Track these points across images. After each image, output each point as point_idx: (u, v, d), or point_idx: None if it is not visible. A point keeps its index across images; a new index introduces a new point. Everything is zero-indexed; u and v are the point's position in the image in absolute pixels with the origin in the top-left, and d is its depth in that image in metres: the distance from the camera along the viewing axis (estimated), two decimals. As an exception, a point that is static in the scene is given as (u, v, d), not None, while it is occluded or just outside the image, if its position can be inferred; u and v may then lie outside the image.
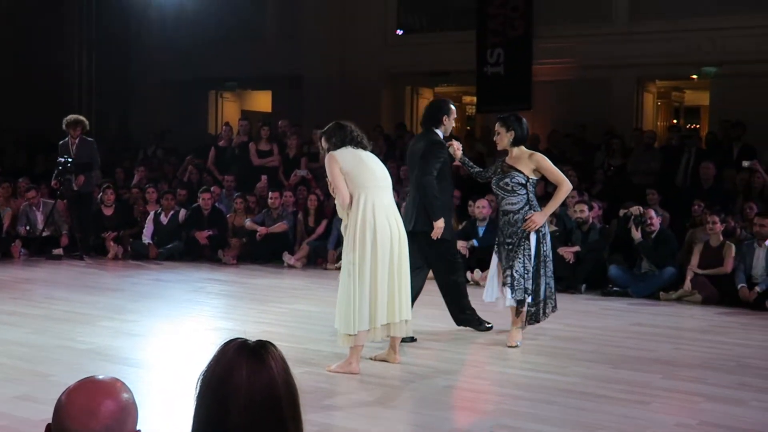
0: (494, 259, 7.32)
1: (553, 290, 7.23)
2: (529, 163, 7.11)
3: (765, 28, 14.13)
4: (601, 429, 4.83)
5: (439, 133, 7.41)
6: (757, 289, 9.33)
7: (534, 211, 7.06)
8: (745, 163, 11.76)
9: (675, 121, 18.67)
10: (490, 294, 7.31)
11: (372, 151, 6.26)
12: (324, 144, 6.24)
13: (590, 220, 10.61)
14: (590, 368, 6.40)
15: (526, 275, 7.01)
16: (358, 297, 5.90)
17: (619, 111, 15.68)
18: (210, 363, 1.99)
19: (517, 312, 7.14)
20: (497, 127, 7.28)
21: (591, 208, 10.75)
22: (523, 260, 7.01)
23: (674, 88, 18.38)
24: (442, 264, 7.53)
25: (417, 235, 7.12)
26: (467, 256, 10.64)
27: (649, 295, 9.98)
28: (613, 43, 15.36)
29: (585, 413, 5.15)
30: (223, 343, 2.02)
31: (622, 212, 10.69)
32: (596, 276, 10.37)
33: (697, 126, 18.19)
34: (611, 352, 6.99)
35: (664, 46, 14.87)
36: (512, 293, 7.00)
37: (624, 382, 5.94)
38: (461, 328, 7.69)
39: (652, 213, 10.25)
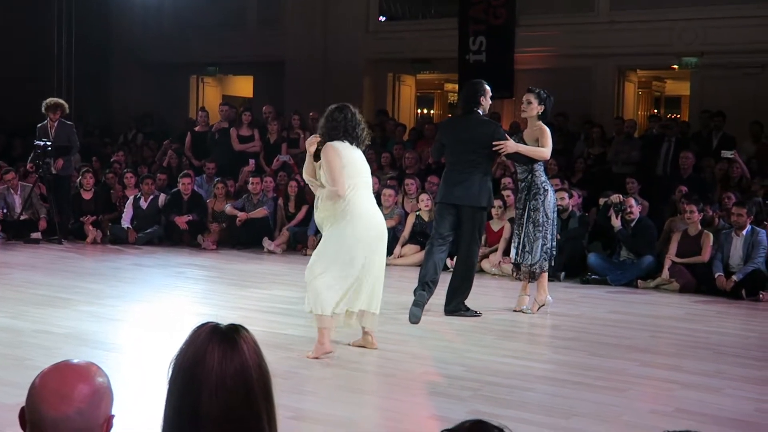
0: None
1: (549, 251, 7.89)
2: (535, 133, 7.84)
3: (745, 18, 14.19)
4: (577, 416, 4.87)
5: (480, 112, 7.82)
6: (734, 277, 9.40)
7: (538, 178, 7.79)
8: (725, 153, 11.82)
9: (655, 110, 18.74)
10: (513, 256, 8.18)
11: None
12: (323, 124, 6.26)
13: (570, 208, 10.65)
14: (567, 355, 6.44)
15: (526, 240, 7.86)
16: (328, 280, 5.97)
17: (600, 100, 15.72)
18: (182, 347, 1.99)
19: (523, 276, 8.00)
20: (530, 97, 7.91)
21: (571, 197, 10.79)
22: (526, 226, 7.86)
23: (655, 77, 18.45)
24: (478, 234, 7.94)
25: (481, 211, 7.79)
26: None
27: (628, 283, 10.04)
28: (595, 32, 15.38)
29: (562, 400, 5.19)
30: (195, 327, 2.01)
31: (602, 201, 10.74)
32: (575, 264, 10.42)
33: (678, 116, 18.27)
34: (589, 339, 7.03)
35: (645, 35, 14.91)
36: (516, 256, 7.98)
37: (601, 370, 5.97)
38: (441, 315, 7.71)
39: (632, 201, 10.30)
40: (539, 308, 8.01)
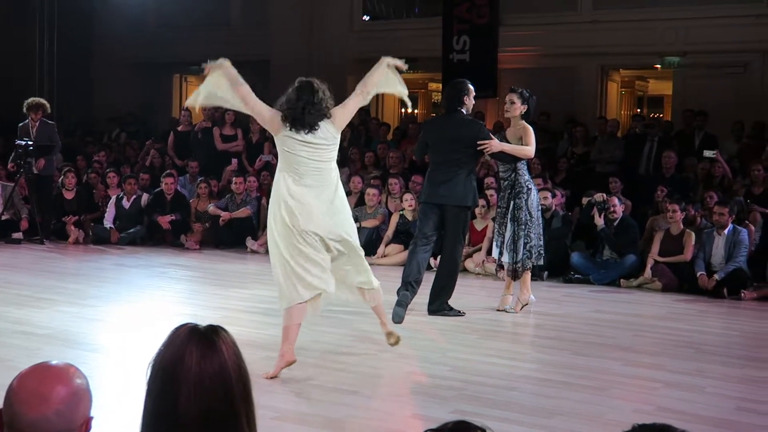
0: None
1: (533, 248, 7.94)
2: (519, 132, 7.90)
3: (727, 18, 14.27)
4: (560, 414, 4.87)
5: (464, 112, 7.84)
6: (716, 276, 9.44)
7: (521, 177, 7.86)
8: (708, 153, 11.87)
9: (638, 110, 18.81)
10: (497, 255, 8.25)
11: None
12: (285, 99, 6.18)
13: (553, 208, 10.67)
14: (550, 355, 6.46)
15: (510, 238, 7.92)
16: (287, 270, 5.61)
17: (583, 99, 15.77)
18: (160, 348, 1.98)
19: (507, 274, 8.07)
20: (513, 97, 7.94)
21: (554, 196, 10.82)
22: (507, 224, 7.94)
23: (638, 77, 18.52)
24: (462, 234, 7.95)
25: (466, 210, 7.83)
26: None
27: (611, 283, 10.07)
28: (578, 31, 15.43)
29: (545, 399, 5.19)
30: (174, 328, 2.00)
31: (585, 200, 10.77)
32: (558, 263, 10.44)
33: (660, 115, 18.34)
34: (572, 338, 7.05)
35: (628, 35, 14.97)
36: (499, 255, 8.06)
37: (583, 369, 5.99)
38: (424, 314, 7.71)
39: (616, 201, 10.34)
40: (522, 307, 8.03)
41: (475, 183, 7.94)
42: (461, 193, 7.69)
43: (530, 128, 7.91)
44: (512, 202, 7.91)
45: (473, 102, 8.01)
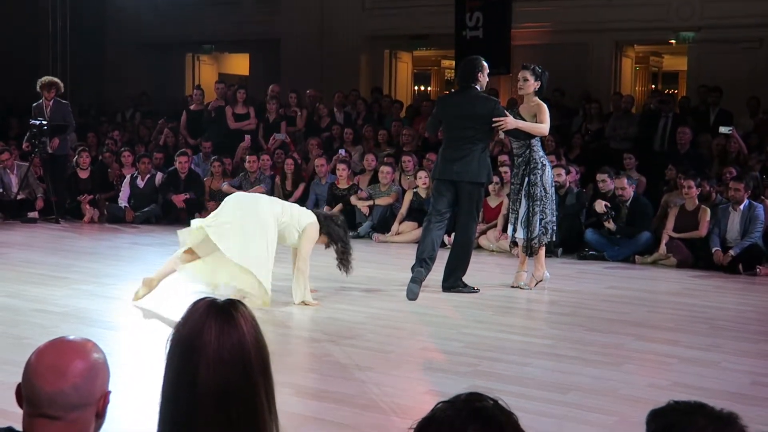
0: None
1: (548, 224, 7.95)
2: (533, 109, 7.87)
3: (742, -7, 14.14)
4: (574, 390, 4.88)
5: (478, 88, 7.80)
6: (731, 252, 9.41)
7: (536, 153, 7.84)
8: (723, 129, 11.79)
9: (653, 86, 18.69)
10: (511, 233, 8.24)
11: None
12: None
13: (567, 184, 10.64)
14: (565, 330, 6.45)
15: (524, 215, 7.92)
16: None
17: (597, 76, 15.69)
18: (179, 322, 1.99)
19: (522, 251, 8.07)
20: (526, 74, 7.91)
21: (568, 173, 10.78)
22: (521, 200, 7.94)
23: (653, 53, 18.39)
24: (476, 211, 7.96)
25: (480, 186, 7.81)
26: None
27: (625, 259, 10.05)
28: (592, 7, 15.33)
29: (560, 375, 5.20)
30: (192, 302, 2.01)
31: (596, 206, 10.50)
32: (573, 240, 10.41)
33: (675, 91, 18.23)
34: (586, 314, 7.04)
35: (642, 10, 14.86)
36: (513, 232, 8.03)
37: (598, 344, 5.99)
38: (438, 291, 7.72)
39: (625, 182, 10.24)
40: (536, 284, 8.02)
41: (489, 160, 7.91)
42: (476, 169, 7.66)
43: (545, 105, 7.89)
44: (527, 179, 7.88)
45: (487, 79, 7.96)
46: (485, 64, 7.88)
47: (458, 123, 7.72)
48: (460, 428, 1.62)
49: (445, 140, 7.92)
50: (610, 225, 10.14)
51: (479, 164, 7.68)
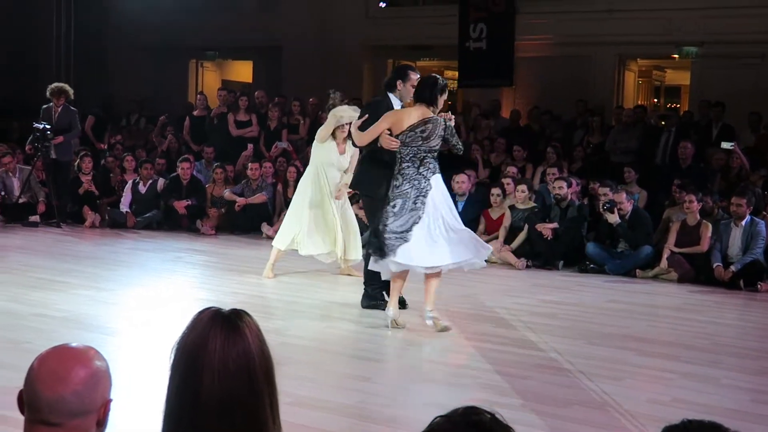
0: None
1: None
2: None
3: (745, 8, 14.16)
4: (574, 404, 4.87)
5: (391, 96, 7.22)
6: (732, 268, 9.39)
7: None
8: (725, 145, 11.79)
9: (656, 100, 18.71)
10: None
11: None
12: None
13: (569, 197, 10.63)
14: (565, 344, 6.44)
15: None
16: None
17: (600, 89, 15.69)
18: (184, 332, 1.99)
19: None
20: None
21: (570, 185, 10.76)
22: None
23: (655, 66, 18.41)
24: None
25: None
26: None
27: (626, 273, 10.03)
28: (595, 20, 15.34)
29: (559, 388, 5.19)
30: (197, 311, 2.01)
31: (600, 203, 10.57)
32: (574, 253, 10.40)
33: (677, 105, 18.24)
34: (587, 328, 7.04)
35: (645, 24, 14.88)
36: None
37: (598, 358, 5.98)
38: (438, 303, 7.69)
39: (623, 196, 10.24)
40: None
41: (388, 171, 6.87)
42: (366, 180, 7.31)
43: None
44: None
45: (409, 91, 7.12)
46: (411, 74, 7.22)
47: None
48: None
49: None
50: (615, 217, 10.08)
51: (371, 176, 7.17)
